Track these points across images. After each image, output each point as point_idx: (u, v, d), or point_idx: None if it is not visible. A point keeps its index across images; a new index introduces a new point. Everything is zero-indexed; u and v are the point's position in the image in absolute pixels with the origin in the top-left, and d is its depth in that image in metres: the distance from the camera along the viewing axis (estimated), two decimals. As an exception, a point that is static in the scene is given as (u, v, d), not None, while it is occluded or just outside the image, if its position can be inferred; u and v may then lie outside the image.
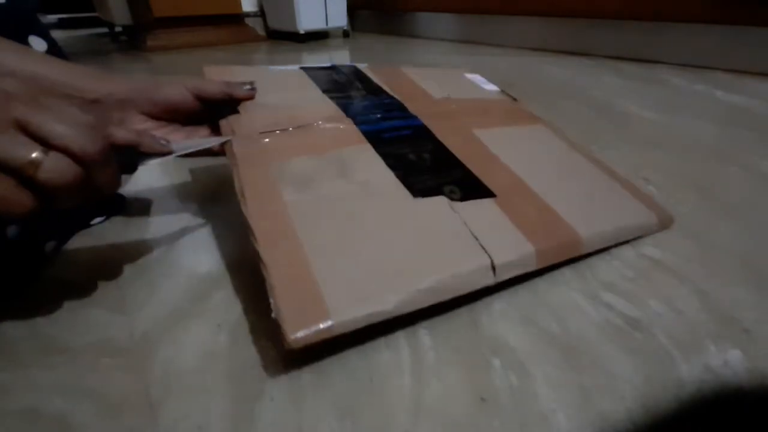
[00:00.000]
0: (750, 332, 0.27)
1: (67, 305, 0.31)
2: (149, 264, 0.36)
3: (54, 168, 0.20)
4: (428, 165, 0.36)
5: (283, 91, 0.42)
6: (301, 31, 1.73)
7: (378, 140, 0.38)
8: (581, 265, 0.34)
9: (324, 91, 0.44)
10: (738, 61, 0.92)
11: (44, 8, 2.85)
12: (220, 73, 0.42)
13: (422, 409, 0.23)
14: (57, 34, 0.38)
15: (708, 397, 0.23)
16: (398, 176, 0.34)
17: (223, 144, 0.34)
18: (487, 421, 0.23)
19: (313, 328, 0.23)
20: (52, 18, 2.96)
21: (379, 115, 0.42)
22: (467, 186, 0.35)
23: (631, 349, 0.26)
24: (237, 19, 1.83)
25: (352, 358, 0.27)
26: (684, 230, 0.38)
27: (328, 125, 0.38)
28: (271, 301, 0.24)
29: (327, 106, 0.41)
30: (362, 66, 0.53)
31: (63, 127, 0.21)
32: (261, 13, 2.02)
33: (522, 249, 0.30)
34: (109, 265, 0.36)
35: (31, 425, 0.23)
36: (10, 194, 0.20)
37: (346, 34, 1.95)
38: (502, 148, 0.41)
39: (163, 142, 0.30)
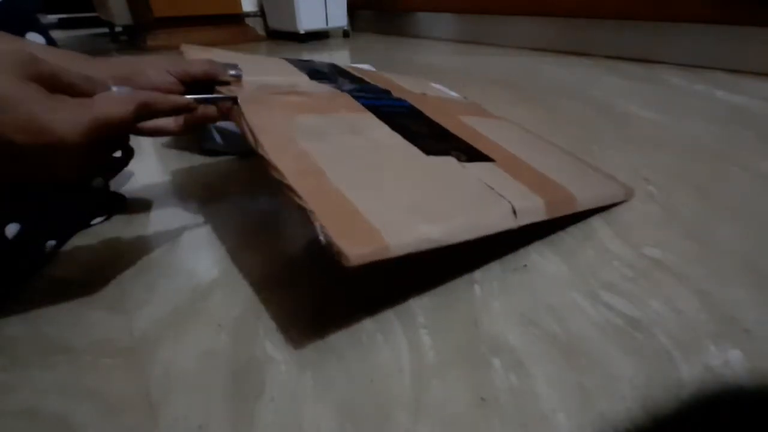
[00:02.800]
0: (750, 332, 0.27)
1: (67, 305, 0.31)
2: (149, 264, 0.36)
3: None
4: (429, 134, 0.38)
5: (269, 73, 0.42)
6: (302, 31, 1.73)
7: (378, 112, 0.39)
8: (581, 265, 0.34)
9: (310, 78, 0.45)
10: (738, 61, 0.91)
11: (44, 8, 2.84)
12: (199, 55, 0.41)
13: (422, 409, 0.23)
14: (57, 34, 0.38)
15: (708, 397, 0.23)
16: (407, 138, 0.36)
17: (229, 102, 0.33)
18: (487, 421, 0.23)
19: (371, 247, 0.22)
20: (52, 18, 2.95)
21: (369, 99, 0.43)
22: (468, 151, 0.37)
23: (631, 349, 0.26)
24: (237, 19, 1.83)
25: (352, 358, 0.27)
26: (684, 230, 0.38)
27: (329, 92, 0.39)
28: (316, 224, 0.22)
29: (320, 86, 0.42)
30: (338, 64, 0.56)
31: None
32: (261, 13, 2.02)
33: (533, 199, 0.33)
34: (109, 265, 0.36)
35: (31, 425, 0.23)
36: None
37: (346, 34, 1.95)
38: (487, 131, 0.45)
39: (232, 72, 0.35)
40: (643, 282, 0.32)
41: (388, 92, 0.47)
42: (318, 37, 1.90)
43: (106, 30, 2.24)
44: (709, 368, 0.25)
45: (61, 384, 0.25)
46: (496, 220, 0.30)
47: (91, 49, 1.83)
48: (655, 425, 0.22)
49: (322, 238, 0.21)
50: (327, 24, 1.79)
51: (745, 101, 0.72)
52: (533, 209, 0.32)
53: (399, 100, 0.45)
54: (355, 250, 0.21)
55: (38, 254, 0.35)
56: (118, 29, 2.02)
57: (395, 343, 0.27)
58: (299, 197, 0.23)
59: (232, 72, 0.36)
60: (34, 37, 0.36)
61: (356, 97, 0.41)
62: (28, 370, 0.26)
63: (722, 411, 0.23)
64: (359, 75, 0.52)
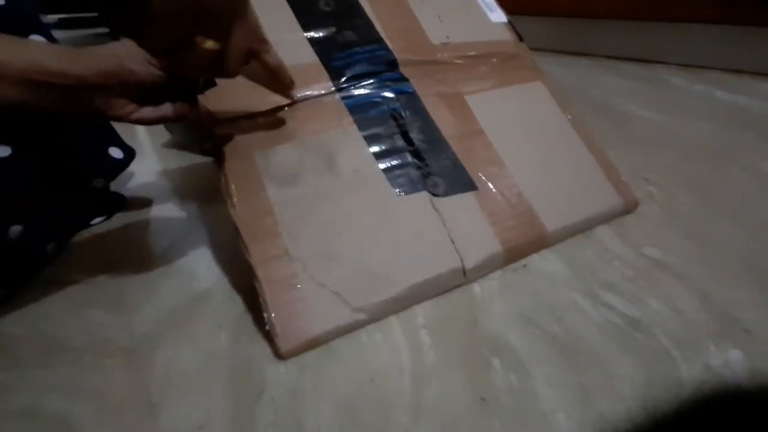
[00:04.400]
0: (750, 332, 0.27)
1: (67, 305, 0.31)
2: (149, 264, 0.36)
3: None
4: (415, 150, 0.36)
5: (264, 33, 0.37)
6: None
7: (364, 119, 0.36)
8: (581, 265, 0.34)
9: (305, 30, 0.39)
10: (738, 61, 0.91)
11: (45, 8, 2.84)
12: None
13: (422, 409, 0.23)
14: (57, 34, 0.37)
15: (708, 397, 0.23)
16: (384, 170, 0.34)
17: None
18: (487, 421, 0.23)
19: (302, 339, 0.26)
20: (52, 18, 2.95)
21: (366, 81, 0.38)
22: (450, 178, 0.35)
23: (631, 349, 0.26)
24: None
25: (352, 358, 0.27)
26: (684, 230, 0.38)
27: (313, 102, 0.36)
28: (266, 315, 0.27)
29: (313, 65, 0.37)
30: None
31: None
32: (261, 13, 2.01)
33: (491, 249, 0.32)
34: (109, 265, 0.36)
35: (31, 425, 0.23)
36: None
37: (346, 34, 1.94)
38: (492, 122, 0.40)
39: None
40: (643, 282, 0.32)
41: (393, 62, 0.40)
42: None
43: (106, 30, 2.24)
44: (709, 368, 0.25)
45: (61, 384, 0.25)
46: (441, 283, 0.31)
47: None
48: (655, 425, 0.22)
49: (268, 327, 0.27)
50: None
51: (745, 101, 0.72)
52: (487, 263, 0.32)
53: (401, 80, 0.39)
54: (287, 346, 0.26)
55: (40, 255, 0.35)
56: (118, 29, 2.02)
57: (395, 343, 0.27)
58: (259, 284, 0.28)
59: None
60: (37, 39, 0.36)
61: (345, 95, 0.37)
62: (28, 370, 0.26)
63: (722, 411, 0.23)
64: (372, 18, 0.42)
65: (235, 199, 0.30)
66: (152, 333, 0.29)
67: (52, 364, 0.27)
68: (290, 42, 0.38)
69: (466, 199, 0.34)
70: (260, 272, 0.28)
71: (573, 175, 0.40)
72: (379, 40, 0.41)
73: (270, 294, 0.27)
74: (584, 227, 0.37)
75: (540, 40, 1.32)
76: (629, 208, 0.40)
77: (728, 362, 0.25)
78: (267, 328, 0.27)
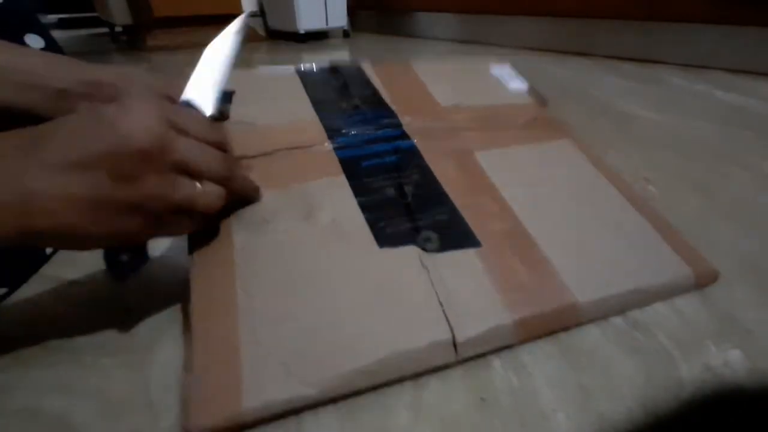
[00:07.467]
0: (751, 332, 0.27)
1: (67, 305, 0.31)
2: (149, 262, 0.36)
3: (209, 197, 0.25)
4: (408, 202, 0.32)
5: (267, 100, 0.39)
6: (301, 31, 1.73)
7: (355, 169, 0.34)
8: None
9: (314, 102, 0.40)
10: (738, 61, 0.91)
11: (44, 8, 2.85)
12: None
13: (422, 409, 0.23)
14: (57, 34, 0.37)
15: (708, 397, 0.23)
16: (368, 219, 0.30)
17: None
18: (487, 421, 0.23)
19: (225, 414, 0.21)
20: (52, 18, 2.96)
21: (365, 137, 0.38)
22: (449, 233, 0.30)
23: (631, 349, 0.26)
24: (237, 19, 1.83)
25: (352, 358, 0.26)
26: (684, 230, 0.38)
27: (302, 151, 0.35)
28: (186, 376, 0.23)
29: (310, 122, 0.38)
30: (367, 65, 0.47)
31: (211, 162, 0.25)
32: (261, 13, 2.02)
33: (496, 320, 0.25)
34: (109, 265, 0.36)
35: (31, 425, 0.23)
36: (181, 224, 0.26)
37: (346, 34, 1.95)
38: (506, 177, 0.35)
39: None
40: (643, 282, 0.32)
41: (395, 122, 0.39)
42: (318, 36, 1.90)
43: (106, 30, 2.24)
44: (709, 368, 0.25)
45: (61, 384, 0.25)
46: (423, 357, 0.24)
47: (91, 49, 1.83)
48: (655, 425, 0.22)
49: (186, 391, 0.23)
50: (327, 24, 1.79)
51: (745, 101, 0.72)
52: (490, 336, 0.25)
53: (402, 137, 0.38)
54: (201, 421, 0.21)
55: (39, 254, 0.35)
56: (118, 29, 2.02)
57: (395, 343, 0.27)
58: (192, 336, 0.24)
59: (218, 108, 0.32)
60: (34, 39, 0.36)
61: (340, 147, 0.36)
62: (28, 370, 0.26)
63: (722, 411, 0.23)
64: (380, 88, 0.44)
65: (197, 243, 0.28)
66: (153, 332, 0.29)
67: (52, 364, 0.27)
68: (297, 110, 0.39)
69: (465, 256, 0.29)
70: (197, 321, 0.24)
71: (616, 240, 0.32)
72: (383, 104, 0.42)
73: (202, 350, 0.23)
74: (632, 302, 0.29)
75: (540, 40, 1.33)
76: (703, 280, 0.31)
77: (728, 362, 0.25)
78: (185, 391, 0.23)
